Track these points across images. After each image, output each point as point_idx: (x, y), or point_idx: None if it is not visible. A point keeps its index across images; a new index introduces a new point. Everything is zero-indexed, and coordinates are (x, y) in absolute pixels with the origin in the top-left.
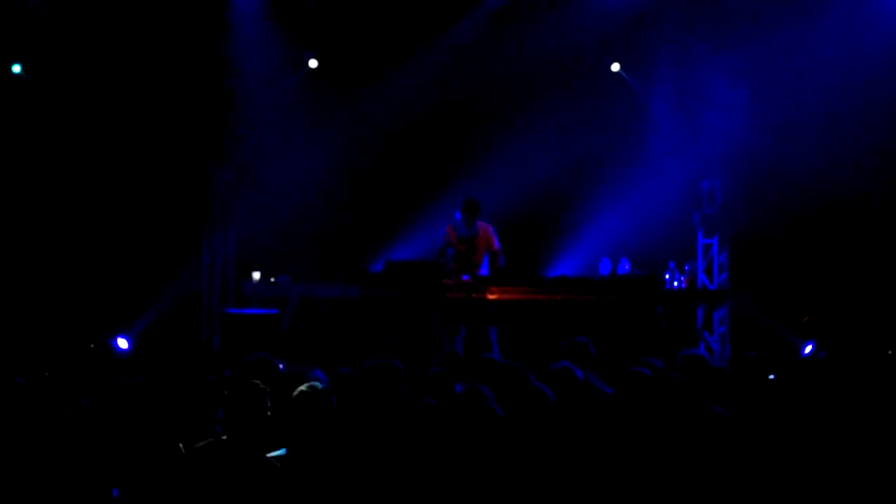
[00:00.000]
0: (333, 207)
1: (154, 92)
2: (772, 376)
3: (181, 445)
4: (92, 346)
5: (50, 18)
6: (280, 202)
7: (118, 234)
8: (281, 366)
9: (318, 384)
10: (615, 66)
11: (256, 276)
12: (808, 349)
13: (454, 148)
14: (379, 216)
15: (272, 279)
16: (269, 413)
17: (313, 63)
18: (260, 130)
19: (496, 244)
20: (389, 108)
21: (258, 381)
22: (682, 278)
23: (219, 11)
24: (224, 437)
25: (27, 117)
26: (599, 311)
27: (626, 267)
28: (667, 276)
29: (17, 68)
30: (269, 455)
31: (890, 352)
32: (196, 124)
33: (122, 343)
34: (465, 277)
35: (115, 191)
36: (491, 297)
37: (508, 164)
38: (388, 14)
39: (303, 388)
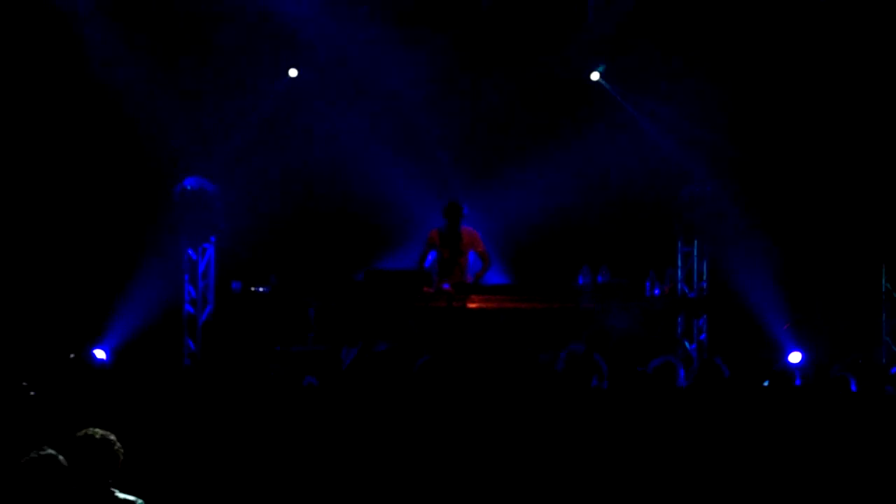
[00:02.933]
0: (324, 212)
1: (127, 95)
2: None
3: None
4: (72, 356)
5: None
6: (261, 208)
7: (92, 241)
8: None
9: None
10: (595, 76)
11: (237, 285)
12: (796, 357)
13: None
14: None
15: (254, 288)
16: None
17: (293, 72)
18: (238, 136)
19: (482, 246)
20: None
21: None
22: (663, 286)
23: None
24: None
25: None
26: (580, 318)
27: (605, 275)
28: (647, 284)
29: None
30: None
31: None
32: (172, 129)
33: (100, 354)
34: (446, 286)
35: (91, 195)
36: (471, 305)
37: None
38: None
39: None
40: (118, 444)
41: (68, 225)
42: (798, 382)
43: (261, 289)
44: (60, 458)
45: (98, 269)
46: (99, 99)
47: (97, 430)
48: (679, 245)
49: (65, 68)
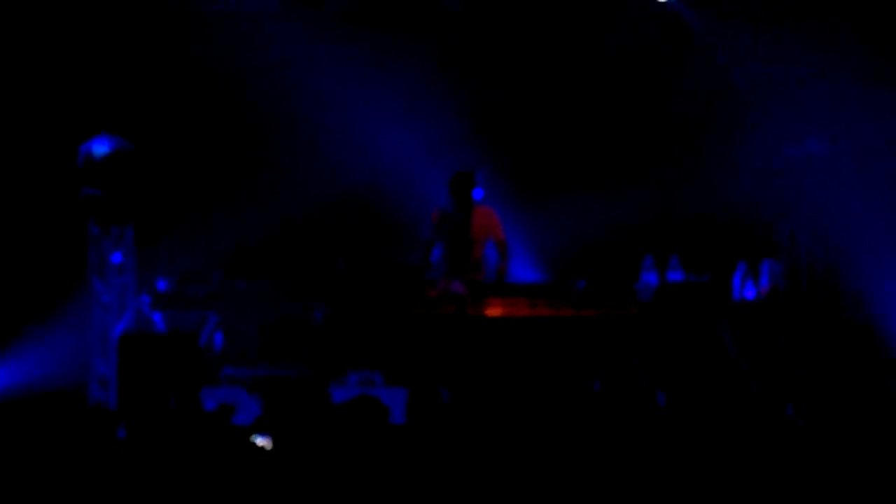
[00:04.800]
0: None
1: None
2: None
3: None
4: None
5: None
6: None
7: None
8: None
9: None
10: None
11: (165, 284)
12: None
13: None
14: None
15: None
16: None
17: None
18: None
19: (501, 231)
20: None
21: None
22: (759, 285)
23: None
24: None
25: None
26: (643, 331)
27: (676, 270)
28: (735, 282)
29: None
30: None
31: None
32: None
33: None
34: (456, 286)
35: None
36: (491, 313)
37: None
38: None
39: None
40: None
41: None
42: None
43: (201, 289)
44: None
45: None
46: None
47: None
48: (780, 228)
49: None
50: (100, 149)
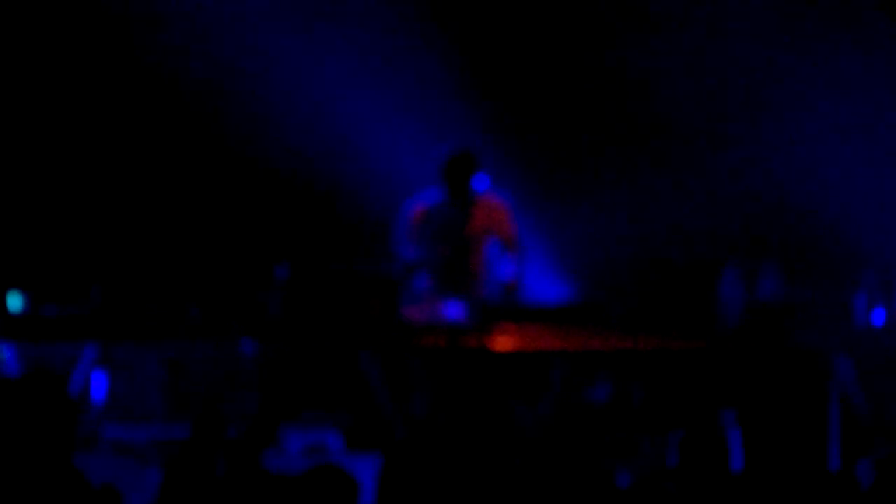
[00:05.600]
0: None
1: None
2: None
3: None
4: None
5: None
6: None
7: None
8: None
9: None
10: None
11: (17, 304)
12: None
13: None
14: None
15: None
16: None
17: None
18: None
19: (510, 227)
20: None
21: None
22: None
23: None
24: None
25: None
26: (725, 370)
27: (772, 283)
28: (857, 303)
29: None
30: None
31: None
32: None
33: None
34: (451, 307)
35: None
36: (501, 345)
37: None
38: None
39: None
40: None
41: None
42: None
43: (72, 310)
44: None
45: None
46: None
47: None
48: None
49: None
50: None
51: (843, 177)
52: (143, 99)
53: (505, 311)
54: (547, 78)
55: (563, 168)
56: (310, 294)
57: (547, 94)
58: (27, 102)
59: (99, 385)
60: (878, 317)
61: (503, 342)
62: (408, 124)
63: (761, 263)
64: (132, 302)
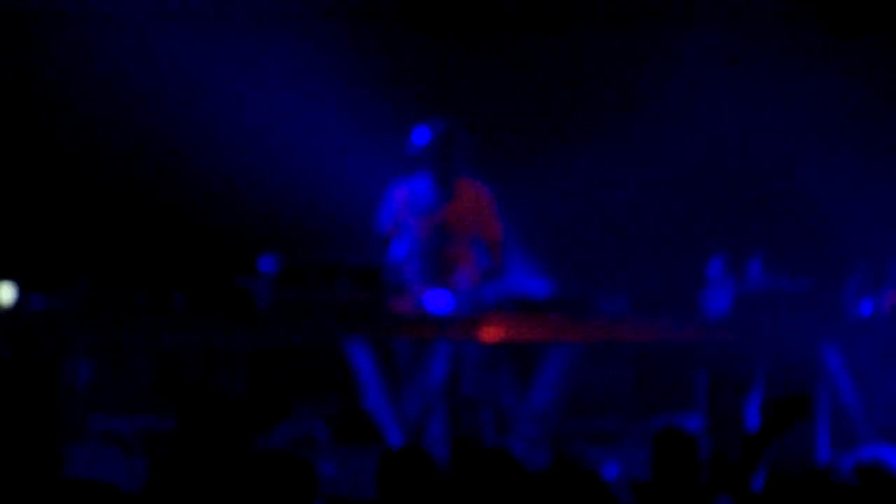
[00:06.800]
0: None
1: None
2: None
3: None
4: None
5: None
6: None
7: None
8: None
9: None
10: None
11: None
12: None
13: None
14: None
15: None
16: None
17: None
18: None
19: (495, 225)
20: None
21: None
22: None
23: None
24: None
25: None
26: (714, 361)
27: (761, 272)
28: (850, 292)
29: None
30: None
31: None
32: None
33: None
34: (437, 296)
35: None
36: (488, 334)
37: None
38: None
39: None
40: None
41: None
42: None
43: (60, 301)
44: None
45: None
46: None
47: None
48: None
49: None
50: None
51: (834, 166)
52: (129, 89)
53: (492, 301)
54: (512, 65)
55: (540, 157)
56: (297, 284)
57: (512, 83)
58: (9, 94)
59: (83, 374)
60: (868, 307)
61: (490, 333)
62: (374, 111)
63: (749, 253)
64: (119, 293)
